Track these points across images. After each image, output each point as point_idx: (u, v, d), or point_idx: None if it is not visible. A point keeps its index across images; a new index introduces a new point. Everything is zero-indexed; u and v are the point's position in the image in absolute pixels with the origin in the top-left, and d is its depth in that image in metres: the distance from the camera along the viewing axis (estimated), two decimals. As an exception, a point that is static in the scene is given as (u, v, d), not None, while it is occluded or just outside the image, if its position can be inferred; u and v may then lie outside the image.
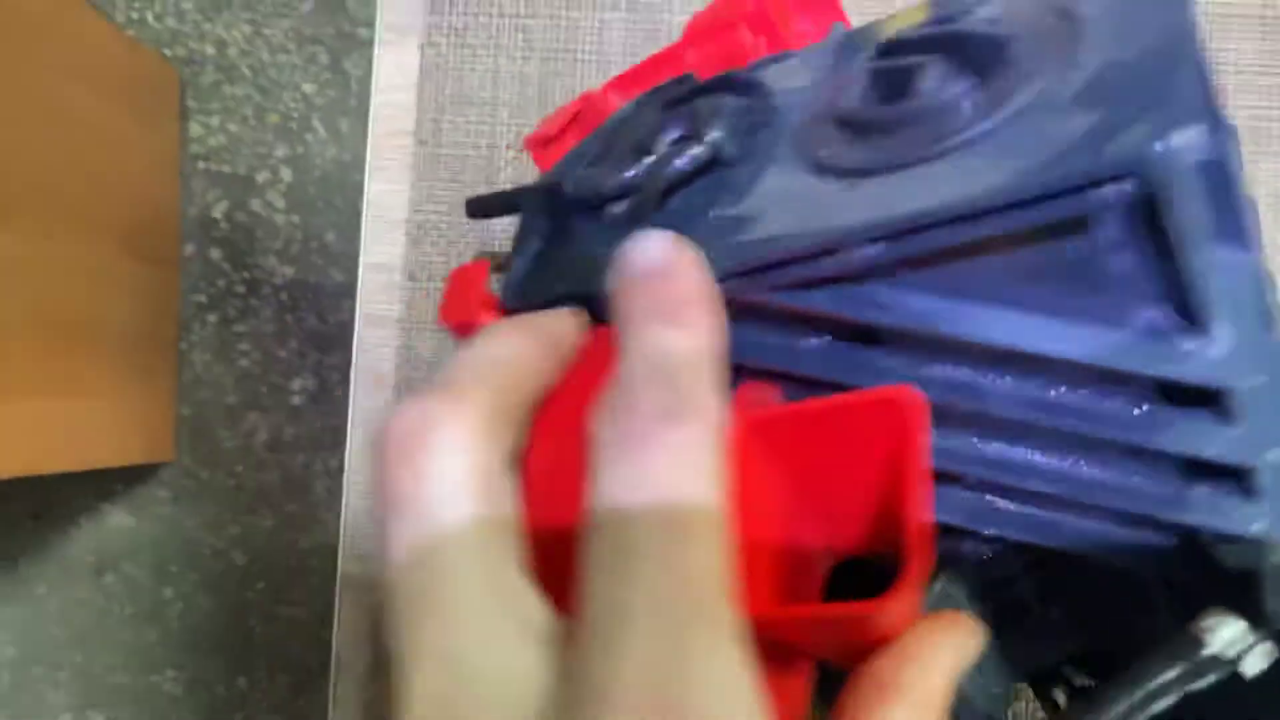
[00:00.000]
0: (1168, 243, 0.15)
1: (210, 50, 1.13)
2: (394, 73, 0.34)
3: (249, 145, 1.13)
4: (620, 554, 0.14)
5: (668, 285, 0.15)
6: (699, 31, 0.22)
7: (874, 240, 0.16)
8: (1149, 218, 0.15)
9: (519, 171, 0.33)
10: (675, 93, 0.21)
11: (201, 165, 1.13)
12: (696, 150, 0.19)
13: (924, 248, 0.16)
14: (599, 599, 0.14)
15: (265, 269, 1.13)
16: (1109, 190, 0.14)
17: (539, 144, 0.23)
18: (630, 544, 0.14)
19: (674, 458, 0.14)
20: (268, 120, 1.13)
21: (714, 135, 0.19)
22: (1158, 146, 0.14)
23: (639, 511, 0.14)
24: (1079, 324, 0.16)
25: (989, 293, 0.16)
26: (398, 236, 0.34)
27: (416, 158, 0.33)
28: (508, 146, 0.33)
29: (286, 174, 1.12)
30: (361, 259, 0.34)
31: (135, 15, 1.13)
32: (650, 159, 0.19)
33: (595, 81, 0.31)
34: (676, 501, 0.14)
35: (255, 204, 1.13)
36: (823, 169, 0.18)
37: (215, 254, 1.13)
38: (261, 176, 1.13)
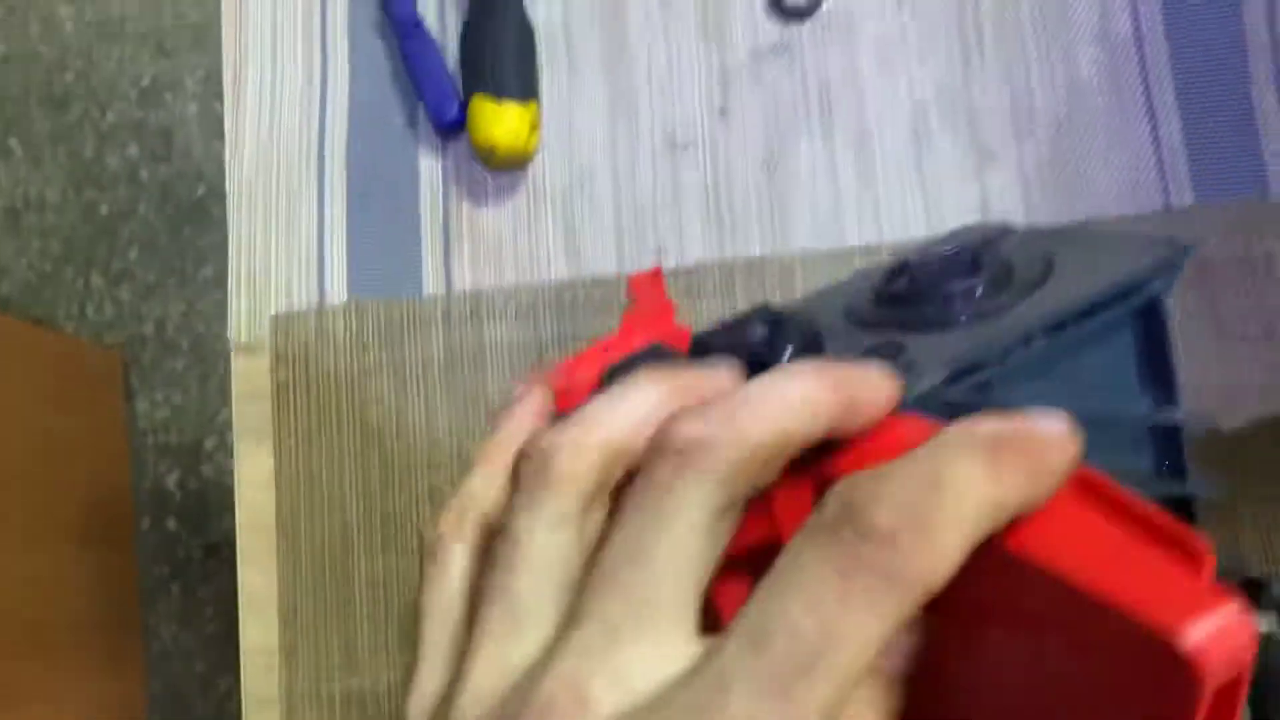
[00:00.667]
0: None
1: (149, 330, 1.19)
2: (250, 471, 0.37)
3: (194, 413, 1.17)
4: None
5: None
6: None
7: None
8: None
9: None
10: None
11: (150, 440, 1.16)
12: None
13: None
14: None
15: (222, 529, 1.15)
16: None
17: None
18: None
19: None
20: (210, 385, 1.18)
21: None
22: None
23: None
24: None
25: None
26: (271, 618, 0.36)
27: (280, 548, 0.36)
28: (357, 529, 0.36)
29: (232, 436, 1.16)
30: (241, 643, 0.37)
31: (75, 311, 1.18)
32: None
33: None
34: None
35: (206, 469, 1.16)
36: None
37: (171, 524, 1.15)
38: (210, 441, 1.16)
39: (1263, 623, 0.22)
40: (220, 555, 1.14)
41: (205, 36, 1.26)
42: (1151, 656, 0.13)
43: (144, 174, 1.22)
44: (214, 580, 1.13)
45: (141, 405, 1.17)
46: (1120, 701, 0.14)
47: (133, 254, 1.20)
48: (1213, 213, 0.38)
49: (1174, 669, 0.13)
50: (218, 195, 1.20)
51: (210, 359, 1.17)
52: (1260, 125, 0.39)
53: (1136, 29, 0.40)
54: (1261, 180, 0.39)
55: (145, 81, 1.25)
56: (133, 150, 1.23)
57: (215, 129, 1.21)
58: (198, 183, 1.22)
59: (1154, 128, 0.39)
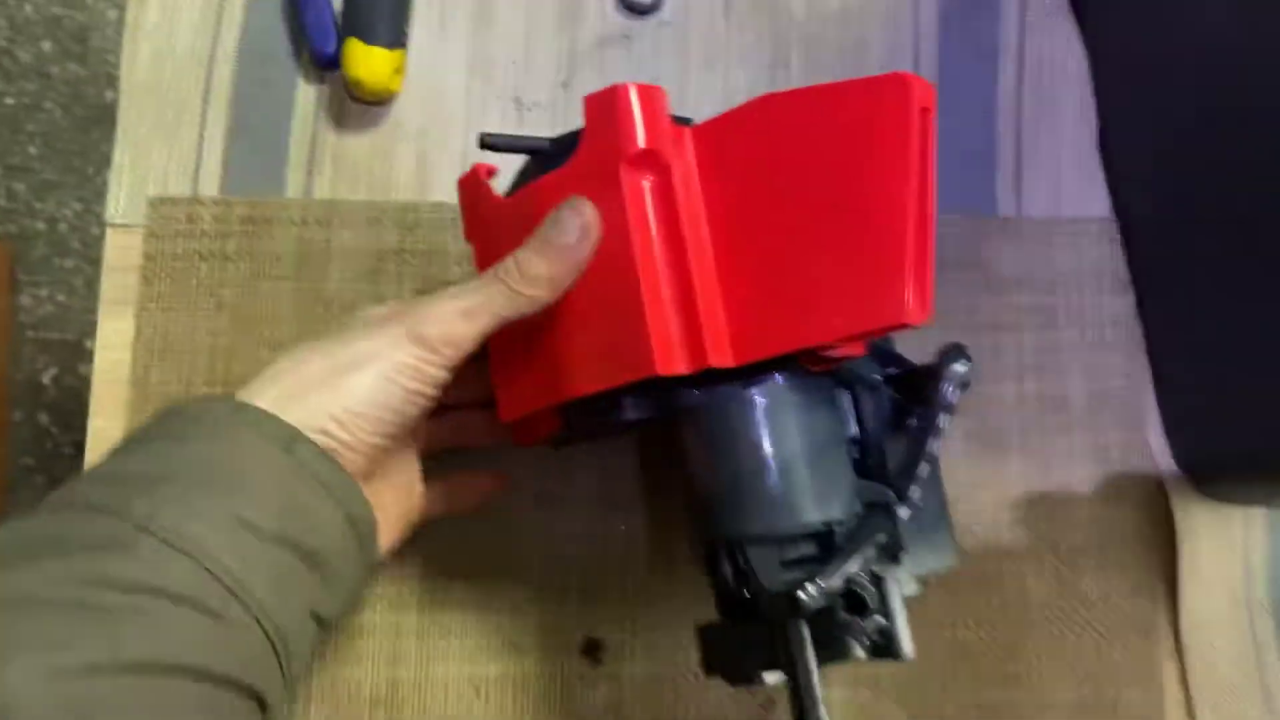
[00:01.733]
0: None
1: (41, 226, 1.19)
2: (111, 335, 0.43)
3: (78, 314, 1.18)
4: None
5: None
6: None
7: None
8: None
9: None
10: None
11: (31, 334, 1.18)
12: None
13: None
14: None
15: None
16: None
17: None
18: None
19: None
20: (96, 288, 1.19)
21: None
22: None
23: None
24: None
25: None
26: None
27: (131, 398, 0.42)
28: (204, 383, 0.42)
29: (115, 340, 1.18)
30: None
31: (-34, 195, 1.18)
32: None
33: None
34: None
35: (84, 368, 1.18)
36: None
37: (44, 418, 1.16)
38: (90, 342, 1.18)
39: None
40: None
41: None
42: (878, 95, 0.29)
43: (54, 70, 1.22)
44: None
45: (25, 300, 1.18)
46: (852, 153, 0.30)
47: (33, 149, 1.21)
48: (950, 218, 0.47)
49: (896, 91, 0.29)
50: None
51: (100, 262, 1.19)
52: (997, 162, 0.48)
53: (915, 69, 0.49)
54: (990, 204, 0.48)
55: (67, -22, 1.25)
56: (46, 45, 1.23)
57: (134, 37, 1.22)
58: (108, 88, 1.23)
59: (914, 150, 0.48)
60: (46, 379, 1.17)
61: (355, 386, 0.31)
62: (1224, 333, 0.43)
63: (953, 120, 0.48)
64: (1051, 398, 0.46)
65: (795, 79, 0.48)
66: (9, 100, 1.21)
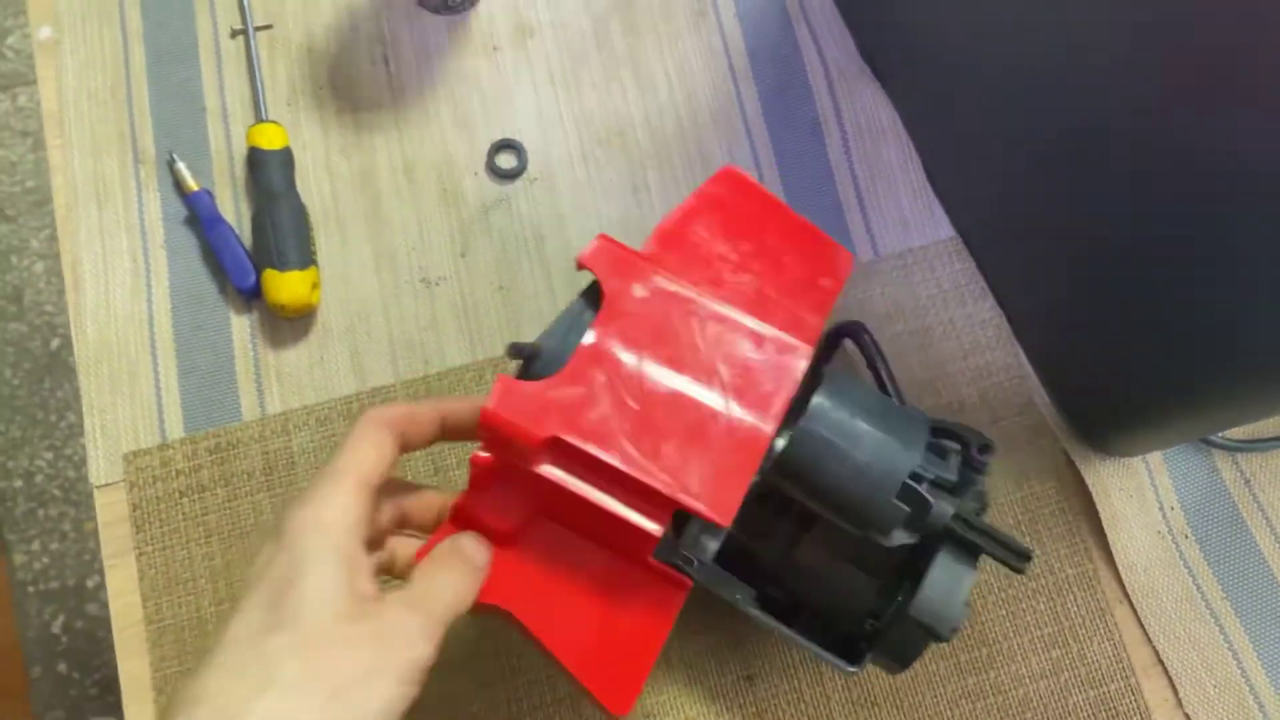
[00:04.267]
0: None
1: (19, 484, 1.23)
2: (119, 584, 0.48)
3: (73, 556, 1.21)
4: None
5: None
6: None
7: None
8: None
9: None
10: None
11: (32, 589, 1.20)
12: None
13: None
14: None
15: (113, 663, 1.19)
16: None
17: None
18: None
19: None
20: (85, 527, 1.23)
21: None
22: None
23: None
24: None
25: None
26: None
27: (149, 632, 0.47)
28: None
29: (114, 572, 1.21)
30: None
31: (-60, 475, 1.22)
32: None
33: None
34: None
35: (90, 607, 1.20)
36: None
37: (62, 667, 1.18)
38: (91, 581, 1.21)
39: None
40: (114, 690, 1.18)
41: (46, 200, 1.34)
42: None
43: (-2, 336, 1.28)
44: (112, 714, 1.17)
45: (19, 557, 1.21)
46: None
47: (-5, 413, 1.25)
48: (820, 281, 0.54)
49: None
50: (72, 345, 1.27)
51: (84, 502, 1.22)
52: (847, 221, 0.55)
53: (755, 157, 0.56)
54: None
55: (-9, 247, 1.32)
56: (-15, 315, 1.28)
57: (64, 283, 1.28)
58: (52, 336, 1.28)
59: (773, 226, 0.55)
60: (56, 628, 1.19)
61: None
62: (1075, 308, 0.49)
63: (801, 188, 0.55)
64: (948, 406, 0.52)
65: (655, 197, 0.55)
66: (-39, 374, 1.26)
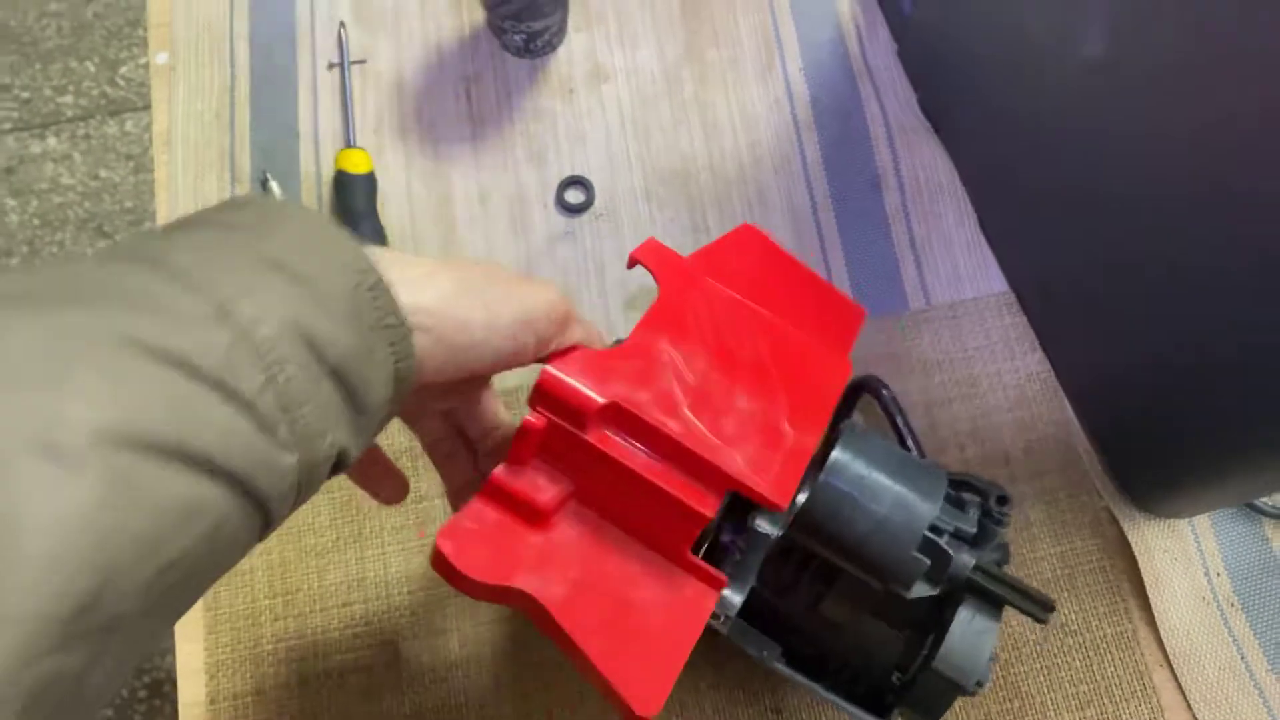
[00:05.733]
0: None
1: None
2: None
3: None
4: None
5: None
6: None
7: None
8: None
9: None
10: None
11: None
12: None
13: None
14: None
15: (163, 667, 1.23)
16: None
17: None
18: None
19: None
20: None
21: None
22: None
23: None
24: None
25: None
26: None
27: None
28: None
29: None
30: None
31: None
32: None
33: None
34: None
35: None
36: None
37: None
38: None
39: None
40: (161, 693, 1.21)
41: (141, 219, 1.42)
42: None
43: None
44: (158, 717, 1.20)
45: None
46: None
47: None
48: (871, 322, 0.55)
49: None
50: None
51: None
52: (900, 270, 0.56)
53: (813, 203, 0.58)
54: (903, 303, 0.56)
55: (87, 260, 1.39)
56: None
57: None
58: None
59: (827, 271, 0.56)
60: None
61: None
62: (1128, 367, 0.50)
63: (857, 238, 0.57)
64: (991, 456, 0.52)
65: (714, 235, 0.57)
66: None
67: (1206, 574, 0.50)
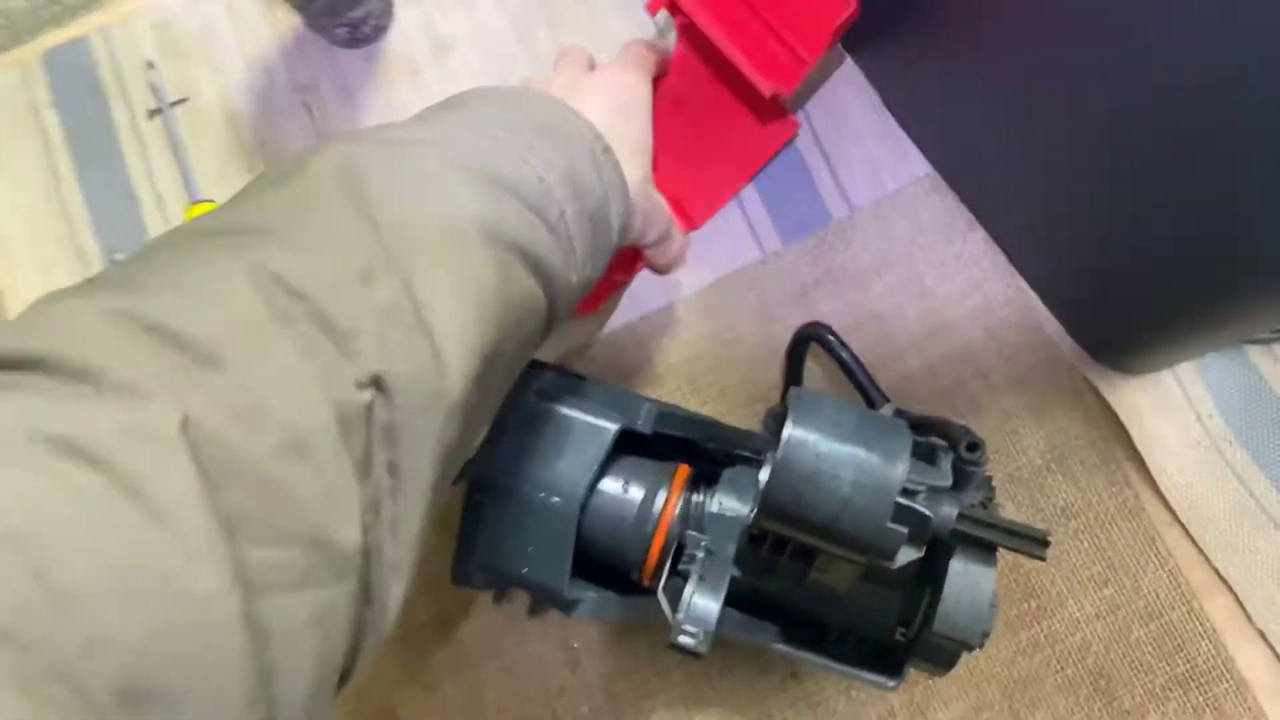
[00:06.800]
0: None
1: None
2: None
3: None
4: None
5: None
6: None
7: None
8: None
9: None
10: None
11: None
12: None
13: None
14: None
15: None
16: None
17: None
18: None
19: None
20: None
21: None
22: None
23: None
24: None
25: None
26: None
27: None
28: None
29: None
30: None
31: None
32: None
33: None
34: None
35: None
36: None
37: None
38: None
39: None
40: None
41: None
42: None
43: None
44: None
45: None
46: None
47: None
48: (796, 247, 0.51)
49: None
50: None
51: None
52: (814, 178, 0.52)
53: (706, 129, 0.53)
54: (824, 214, 0.51)
55: None
56: None
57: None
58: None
59: (740, 204, 0.52)
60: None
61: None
62: (1076, 225, 0.46)
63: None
64: (953, 353, 0.49)
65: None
66: None
67: (1198, 418, 0.48)
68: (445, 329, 0.25)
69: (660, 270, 0.43)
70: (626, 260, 0.45)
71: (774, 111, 0.48)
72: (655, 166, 0.42)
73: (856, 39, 0.52)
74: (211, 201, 0.52)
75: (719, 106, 0.49)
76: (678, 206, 0.47)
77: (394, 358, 0.24)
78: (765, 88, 0.45)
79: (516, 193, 0.29)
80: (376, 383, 0.23)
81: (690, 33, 0.48)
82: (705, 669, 0.47)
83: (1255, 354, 0.48)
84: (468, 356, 0.25)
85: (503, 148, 0.30)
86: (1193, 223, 0.38)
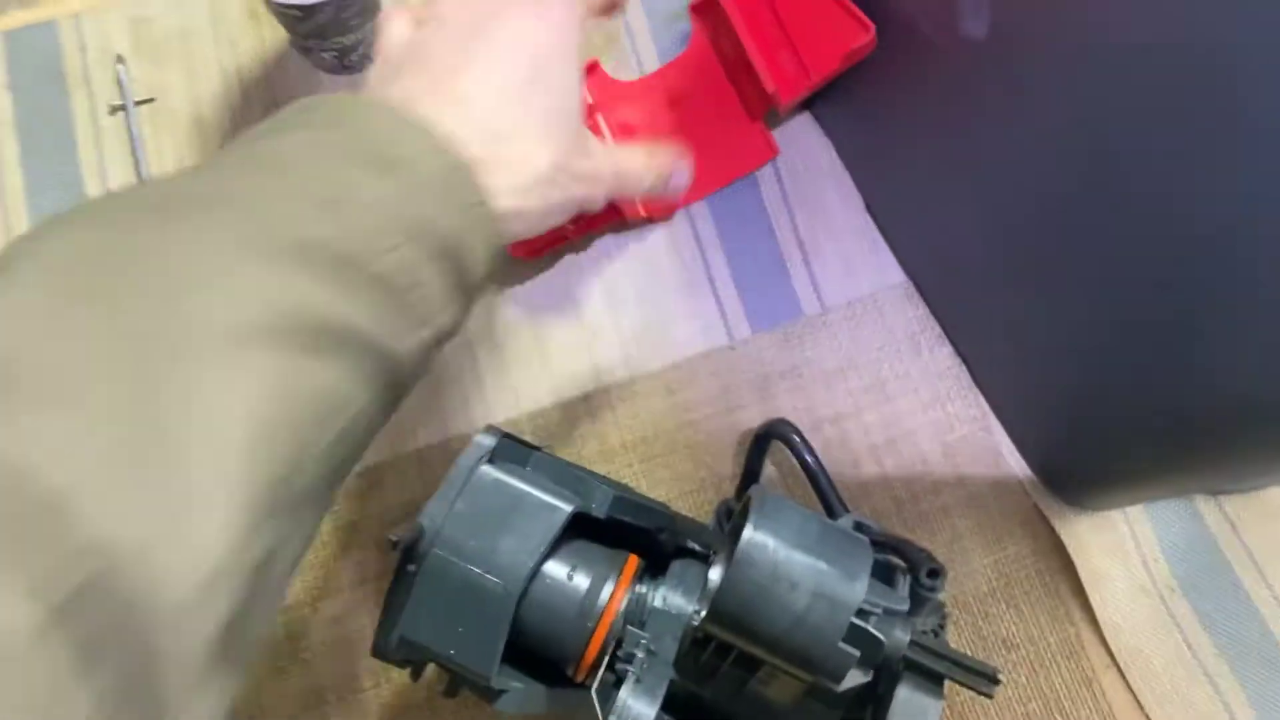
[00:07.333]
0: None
1: None
2: None
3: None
4: None
5: None
6: None
7: None
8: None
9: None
10: None
11: None
12: None
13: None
14: None
15: None
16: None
17: None
18: None
19: None
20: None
21: None
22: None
23: None
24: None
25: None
26: None
27: None
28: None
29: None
30: None
31: None
32: None
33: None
34: None
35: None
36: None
37: None
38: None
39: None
40: None
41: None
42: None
43: None
44: None
45: None
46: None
47: None
48: (765, 337, 0.50)
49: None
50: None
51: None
52: (789, 269, 0.51)
53: (689, 213, 0.52)
54: (796, 308, 0.51)
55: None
56: None
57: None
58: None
59: (709, 279, 0.51)
60: None
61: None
62: (1040, 353, 0.46)
63: (739, 241, 0.51)
64: (909, 464, 0.48)
65: (582, 258, 0.51)
66: None
67: (1144, 563, 0.48)
68: (200, 475, 0.19)
69: (662, 197, 0.42)
70: (581, 218, 0.42)
71: (760, 133, 0.51)
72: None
73: (845, 138, 0.52)
74: (163, 209, 0.49)
75: (712, 111, 0.51)
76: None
77: (116, 530, 0.18)
78: (769, 83, 0.47)
79: (331, 255, 0.24)
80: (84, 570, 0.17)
81: (707, 20, 0.51)
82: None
83: (1202, 503, 0.48)
84: (235, 502, 0.20)
85: (315, 194, 0.25)
86: (1159, 370, 0.38)
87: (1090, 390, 0.43)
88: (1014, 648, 0.46)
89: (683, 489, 0.48)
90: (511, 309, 0.50)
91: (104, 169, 0.51)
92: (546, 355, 0.49)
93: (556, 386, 0.49)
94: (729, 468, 0.48)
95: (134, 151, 0.51)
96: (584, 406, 0.48)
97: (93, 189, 0.50)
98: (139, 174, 0.50)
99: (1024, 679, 0.46)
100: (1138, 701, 0.46)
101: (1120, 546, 0.47)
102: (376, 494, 0.47)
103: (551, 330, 0.50)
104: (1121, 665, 0.46)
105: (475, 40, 0.31)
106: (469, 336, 0.49)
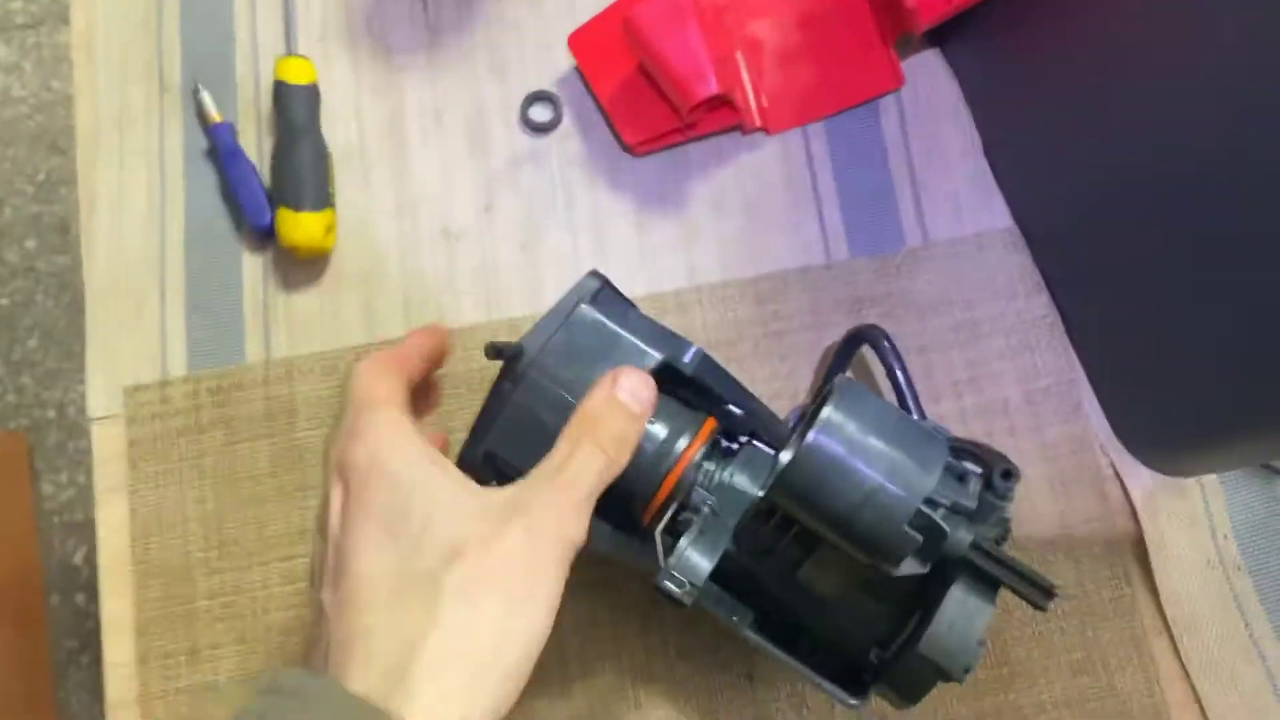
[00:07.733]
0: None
1: (51, 414, 1.24)
2: (109, 520, 0.46)
3: (99, 491, 1.22)
4: None
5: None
6: None
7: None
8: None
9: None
10: None
11: (56, 519, 1.22)
12: None
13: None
14: None
15: (131, 600, 1.20)
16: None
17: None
18: None
19: None
20: (114, 463, 1.23)
21: None
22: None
23: None
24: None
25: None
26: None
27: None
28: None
29: (137, 509, 1.22)
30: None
31: (-23, 399, 1.24)
32: None
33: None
34: None
35: (112, 542, 1.21)
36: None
37: (80, 599, 1.20)
38: (115, 516, 1.22)
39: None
40: (129, 625, 1.19)
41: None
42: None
43: (40, 265, 1.29)
44: (123, 649, 1.18)
45: (47, 487, 1.23)
46: None
47: (33, 342, 1.27)
48: (862, 262, 0.50)
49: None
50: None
51: (113, 437, 1.23)
52: (898, 202, 0.51)
53: (804, 133, 0.52)
54: (898, 239, 0.51)
55: (40, 177, 1.33)
56: (30, 243, 1.30)
57: (111, 221, 1.29)
58: (95, 272, 1.29)
59: (817, 200, 0.51)
60: (78, 559, 1.21)
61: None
62: (1141, 313, 0.46)
63: (851, 167, 0.52)
64: (990, 405, 0.48)
65: (693, 160, 0.52)
66: (4, 300, 1.27)
67: (1213, 536, 0.47)
68: None
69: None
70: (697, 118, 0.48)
71: (889, 60, 0.52)
72: (758, 66, 0.50)
73: (973, 78, 0.52)
74: (306, 59, 0.51)
75: (845, 30, 0.52)
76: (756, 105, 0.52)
77: None
78: None
79: None
80: None
81: None
82: (663, 646, 0.45)
83: (1284, 489, 0.48)
84: None
85: None
86: (1261, 334, 0.38)
87: (1190, 356, 0.43)
88: (1066, 597, 0.46)
89: (760, 394, 0.48)
90: (618, 197, 0.51)
91: (255, 18, 0.53)
92: (645, 246, 0.51)
93: (651, 277, 0.50)
94: (808, 379, 0.49)
95: (286, 4, 0.53)
96: (674, 300, 0.50)
97: (242, 33, 0.53)
98: (288, 25, 0.53)
99: (1072, 628, 0.46)
100: (1184, 670, 0.45)
101: (1192, 516, 0.47)
102: (463, 357, 0.49)
103: (654, 222, 0.51)
104: (1174, 634, 0.46)
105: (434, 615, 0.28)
106: (573, 220, 0.51)
